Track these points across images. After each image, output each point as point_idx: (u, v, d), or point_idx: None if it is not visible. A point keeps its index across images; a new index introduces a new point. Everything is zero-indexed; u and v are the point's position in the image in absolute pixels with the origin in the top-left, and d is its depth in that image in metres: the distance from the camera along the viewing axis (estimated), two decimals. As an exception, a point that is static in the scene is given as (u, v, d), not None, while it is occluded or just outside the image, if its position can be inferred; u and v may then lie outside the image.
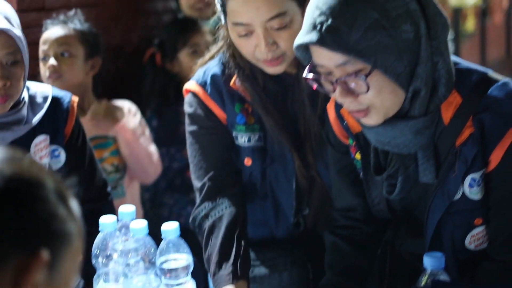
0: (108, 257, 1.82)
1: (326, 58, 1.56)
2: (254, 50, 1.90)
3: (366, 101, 1.58)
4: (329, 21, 1.51)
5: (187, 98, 2.08)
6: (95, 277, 1.85)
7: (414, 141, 1.63)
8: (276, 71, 1.94)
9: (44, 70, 2.97)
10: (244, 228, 1.97)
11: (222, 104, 2.03)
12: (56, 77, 2.94)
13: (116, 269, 1.82)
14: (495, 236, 1.66)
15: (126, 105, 3.21)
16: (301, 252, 2.08)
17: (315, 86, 1.64)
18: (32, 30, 3.30)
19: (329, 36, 1.51)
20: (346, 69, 1.55)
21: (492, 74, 1.67)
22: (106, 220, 1.82)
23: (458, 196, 1.64)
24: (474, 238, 1.67)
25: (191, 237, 2.01)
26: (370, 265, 1.86)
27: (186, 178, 3.54)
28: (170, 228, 1.76)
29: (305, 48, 1.62)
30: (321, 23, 1.52)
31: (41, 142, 2.09)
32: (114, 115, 3.09)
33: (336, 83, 1.57)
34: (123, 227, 1.87)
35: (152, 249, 1.80)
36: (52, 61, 2.95)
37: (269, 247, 2.11)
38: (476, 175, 1.62)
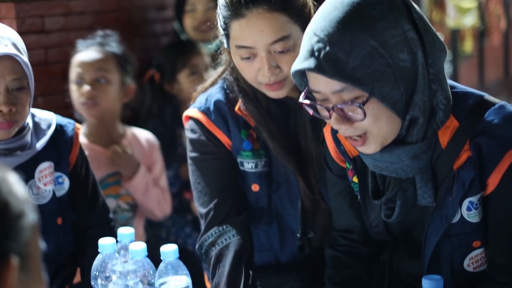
0: (107, 279, 1.82)
1: (323, 84, 1.56)
2: (257, 73, 1.90)
3: (362, 127, 1.58)
4: (327, 48, 1.52)
5: (189, 124, 2.06)
6: (94, 299, 1.85)
7: (412, 165, 1.63)
8: (278, 96, 1.94)
9: (78, 95, 2.94)
10: (251, 256, 1.97)
11: (227, 130, 2.02)
12: (92, 104, 2.93)
13: (115, 291, 1.82)
14: (495, 257, 1.66)
15: (147, 148, 3.15)
16: (306, 276, 2.07)
17: (311, 112, 1.64)
18: (32, 52, 3.31)
19: (327, 63, 1.51)
20: (342, 96, 1.55)
21: (488, 97, 1.68)
22: (105, 242, 1.83)
23: (456, 219, 1.65)
24: (473, 260, 1.67)
25: (189, 258, 2.01)
26: (370, 278, 1.86)
27: (184, 199, 3.54)
28: (169, 250, 1.76)
29: (301, 73, 1.62)
30: (319, 50, 1.52)
31: (45, 168, 2.11)
32: (128, 169, 3.02)
33: (332, 109, 1.58)
34: (122, 249, 1.87)
35: (151, 270, 1.80)
36: (87, 87, 2.91)
37: (274, 272, 2.09)
38: (474, 199, 1.62)
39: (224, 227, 1.98)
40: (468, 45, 9.07)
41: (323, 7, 1.58)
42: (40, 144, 2.09)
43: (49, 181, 2.11)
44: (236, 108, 2.00)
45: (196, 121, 2.04)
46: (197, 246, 2.02)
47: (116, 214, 3.03)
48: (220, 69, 2.08)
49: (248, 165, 2.02)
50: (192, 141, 2.06)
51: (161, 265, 1.77)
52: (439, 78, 1.61)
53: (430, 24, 1.61)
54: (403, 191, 1.69)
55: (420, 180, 1.66)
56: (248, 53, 1.88)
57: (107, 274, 1.82)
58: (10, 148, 2.04)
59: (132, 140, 3.14)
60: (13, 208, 0.99)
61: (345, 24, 1.52)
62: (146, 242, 1.88)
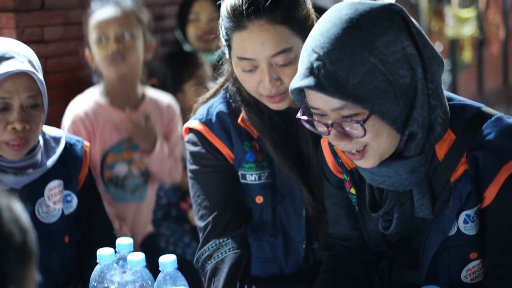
0: (106, 289, 1.82)
1: (322, 102, 1.55)
2: (258, 85, 1.90)
3: (361, 143, 1.58)
4: (327, 66, 1.51)
5: (190, 136, 2.05)
6: (92, 309, 1.85)
7: (409, 179, 1.63)
8: (279, 108, 1.94)
9: (103, 54, 2.91)
10: (247, 271, 1.96)
11: (229, 142, 2.01)
12: (121, 60, 2.89)
13: (113, 302, 1.81)
14: (492, 270, 1.66)
15: (166, 114, 3.12)
16: (311, 287, 2.05)
17: (309, 127, 1.63)
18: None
19: (327, 82, 1.50)
20: (342, 113, 1.54)
21: (485, 109, 1.68)
22: (103, 252, 1.83)
23: (453, 232, 1.64)
24: (470, 272, 1.67)
25: (188, 268, 2.00)
26: (368, 280, 1.86)
27: (182, 209, 3.54)
28: (168, 260, 1.76)
29: (299, 90, 1.61)
30: (319, 68, 1.51)
31: (55, 187, 2.11)
32: (147, 143, 2.99)
33: (331, 126, 1.57)
34: (120, 259, 1.87)
35: (150, 281, 1.80)
36: (114, 43, 2.87)
37: (279, 284, 2.09)
38: (470, 212, 1.62)
39: (221, 240, 1.97)
40: (467, 55, 9.09)
41: (321, 23, 1.58)
42: (50, 162, 2.09)
43: (59, 199, 2.11)
44: (239, 120, 2.00)
45: (197, 133, 2.03)
46: (194, 259, 2.02)
47: (126, 180, 3.03)
48: (221, 79, 2.07)
49: (252, 177, 2.01)
50: (192, 153, 2.05)
51: (160, 276, 1.76)
52: (437, 93, 1.60)
53: (428, 39, 1.61)
54: (400, 203, 1.69)
55: (417, 192, 1.66)
56: (249, 65, 1.88)
57: (106, 285, 1.82)
58: (22, 167, 2.04)
59: (152, 104, 3.10)
60: (16, 238, 0.99)
61: (345, 41, 1.51)
62: (151, 237, 1.88)
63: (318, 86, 1.51)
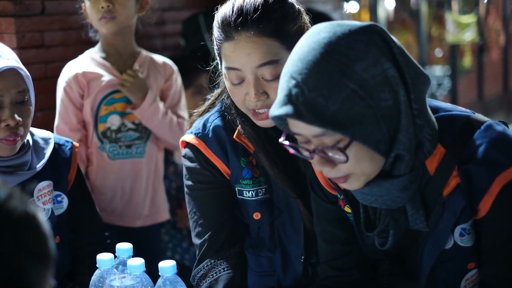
0: (105, 294, 1.81)
1: (303, 129, 1.52)
2: (245, 98, 1.88)
3: (345, 169, 1.54)
4: (305, 93, 1.46)
5: (186, 151, 2.03)
6: (91, 314, 1.85)
7: (401, 196, 1.60)
8: (266, 125, 1.91)
9: (95, 11, 2.91)
10: None
11: (225, 158, 1.99)
12: (110, 18, 2.90)
13: (112, 307, 1.81)
14: (487, 280, 1.64)
15: (162, 71, 3.12)
16: None
17: (292, 152, 1.59)
18: (32, 66, 3.33)
19: (305, 109, 1.46)
20: (323, 140, 1.51)
21: (474, 116, 1.64)
22: (103, 257, 1.82)
23: (449, 245, 1.62)
24: (469, 281, 1.65)
25: (186, 273, 2.00)
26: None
27: (179, 215, 3.54)
28: (167, 265, 1.76)
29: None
30: (297, 95, 1.47)
31: (44, 187, 2.11)
32: (136, 95, 2.99)
33: (313, 152, 1.54)
34: (120, 264, 1.86)
35: (149, 286, 1.79)
36: (104, 1, 2.87)
37: None
38: (465, 225, 1.60)
39: (216, 260, 1.96)
40: (467, 60, 9.10)
41: (299, 47, 1.53)
42: (40, 165, 2.09)
43: (48, 200, 2.12)
44: (235, 135, 1.97)
45: (193, 148, 2.01)
46: (191, 277, 2.01)
47: (120, 133, 3.02)
48: (217, 91, 2.06)
49: (249, 194, 1.99)
50: (188, 169, 2.03)
51: (159, 281, 1.76)
52: (424, 112, 1.57)
53: (411, 58, 1.57)
54: (395, 220, 1.67)
55: (410, 208, 1.64)
56: (236, 76, 1.86)
57: (105, 290, 1.81)
58: (11, 166, 2.05)
59: (147, 60, 3.11)
60: (40, 244, 1.03)
61: (323, 67, 1.47)
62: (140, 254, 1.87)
63: (297, 114, 1.47)
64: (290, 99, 1.48)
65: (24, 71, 1.99)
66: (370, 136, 1.49)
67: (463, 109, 1.69)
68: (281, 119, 1.58)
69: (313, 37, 1.52)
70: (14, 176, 2.04)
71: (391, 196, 1.60)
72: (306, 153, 1.56)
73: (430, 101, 1.65)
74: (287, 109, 1.48)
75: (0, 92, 1.98)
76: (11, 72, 1.97)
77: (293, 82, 1.49)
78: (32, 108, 2.06)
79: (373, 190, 1.59)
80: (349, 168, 1.54)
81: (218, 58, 1.92)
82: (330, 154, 1.52)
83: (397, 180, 1.57)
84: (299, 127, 1.52)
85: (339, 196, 1.77)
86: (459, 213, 1.58)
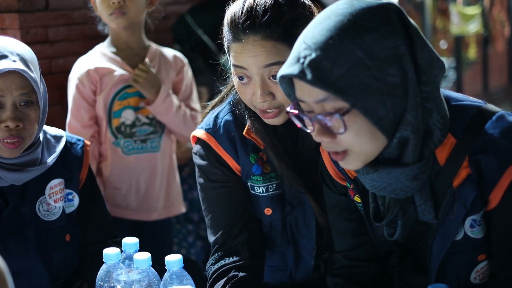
0: (112, 289, 1.81)
1: (306, 92, 1.53)
2: (251, 97, 1.87)
3: (344, 143, 1.54)
4: (312, 55, 1.48)
5: (197, 148, 2.02)
6: (98, 309, 1.85)
7: (410, 185, 1.60)
8: (274, 123, 1.91)
9: (105, 6, 2.92)
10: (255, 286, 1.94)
11: (235, 154, 1.98)
12: (120, 14, 2.91)
13: (119, 301, 1.81)
14: (497, 272, 1.64)
15: (173, 64, 3.13)
16: None
17: (298, 124, 1.60)
18: (36, 62, 3.33)
19: (309, 70, 1.48)
20: (325, 106, 1.51)
21: (486, 107, 1.63)
22: (109, 252, 1.82)
23: (460, 236, 1.61)
24: (479, 273, 1.65)
25: (192, 267, 2.00)
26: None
27: (186, 210, 3.55)
28: (174, 259, 1.76)
29: (289, 82, 1.59)
30: (305, 57, 1.49)
31: (56, 185, 2.11)
32: (149, 91, 3.00)
33: (314, 120, 1.54)
34: (126, 258, 1.87)
35: (156, 280, 1.79)
36: None
37: None
38: (476, 216, 1.59)
39: (229, 258, 1.95)
40: (472, 52, 9.07)
41: (317, 17, 1.56)
42: (50, 160, 2.09)
43: (60, 198, 2.12)
44: (244, 132, 1.97)
45: (204, 144, 2.01)
46: (205, 271, 2.01)
47: (134, 127, 3.03)
48: (229, 85, 2.05)
49: (259, 189, 1.99)
50: (200, 167, 2.03)
51: (166, 275, 1.76)
52: (434, 97, 1.56)
53: (427, 42, 1.57)
54: (403, 211, 1.66)
55: (419, 198, 1.63)
56: (243, 75, 1.86)
57: (112, 284, 1.81)
58: (21, 163, 2.04)
59: (157, 54, 3.11)
60: None
61: (334, 33, 1.49)
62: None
63: (301, 74, 1.48)
64: (297, 60, 1.50)
65: (29, 73, 1.96)
66: (372, 109, 1.49)
67: (475, 99, 1.68)
68: (290, 87, 1.58)
69: (331, 8, 1.54)
70: (23, 173, 2.04)
71: (400, 185, 1.59)
72: (308, 123, 1.56)
73: (441, 91, 1.63)
74: (293, 69, 1.50)
75: (1, 92, 1.96)
76: (16, 73, 1.95)
77: (304, 46, 1.51)
78: (41, 113, 2.03)
79: (383, 177, 1.58)
80: (347, 141, 1.53)
81: (227, 54, 1.91)
82: (329, 122, 1.52)
83: (407, 169, 1.56)
84: (303, 91, 1.53)
85: (348, 186, 1.77)
86: (470, 204, 1.57)
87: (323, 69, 1.47)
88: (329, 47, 1.48)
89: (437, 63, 1.56)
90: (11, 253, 2.05)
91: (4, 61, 1.95)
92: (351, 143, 1.53)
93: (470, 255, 1.64)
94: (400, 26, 1.53)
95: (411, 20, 1.57)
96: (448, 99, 1.64)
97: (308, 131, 1.58)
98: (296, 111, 1.57)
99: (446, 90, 1.70)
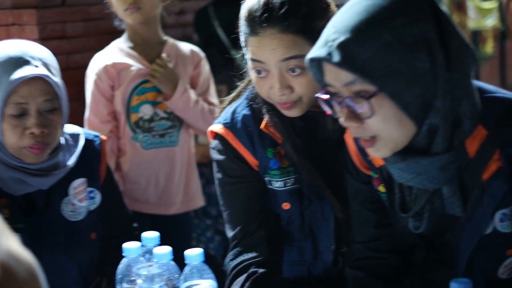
0: (132, 282, 1.81)
1: (334, 76, 1.52)
2: (269, 91, 1.87)
3: (372, 128, 1.52)
4: (340, 38, 1.48)
5: (214, 143, 2.02)
6: (119, 302, 1.85)
7: (439, 177, 1.57)
8: (291, 115, 1.90)
9: (120, 2, 2.92)
10: (272, 282, 1.93)
11: (253, 149, 1.97)
12: (135, 9, 2.91)
13: (140, 295, 1.81)
14: None
15: (190, 58, 3.13)
16: None
17: (328, 110, 1.59)
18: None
19: (337, 53, 1.47)
20: (352, 89, 1.50)
21: None
22: (129, 246, 1.82)
23: (488, 230, 1.59)
24: (507, 268, 1.62)
25: (211, 262, 1.99)
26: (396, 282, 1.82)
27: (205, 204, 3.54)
28: (194, 253, 1.75)
29: (318, 67, 1.58)
30: (333, 40, 1.49)
31: (79, 185, 2.11)
32: (167, 86, 3.01)
33: (342, 104, 1.53)
34: (147, 252, 1.86)
35: (176, 274, 1.79)
36: None
37: (307, 286, 2.05)
38: (506, 210, 1.56)
39: (250, 254, 1.94)
40: (489, 47, 9.01)
41: (348, 2, 1.55)
42: (71, 161, 2.09)
43: (84, 197, 2.12)
44: (262, 126, 1.96)
45: (221, 139, 2.00)
46: (224, 266, 2.00)
47: (153, 122, 3.04)
48: (246, 80, 2.05)
49: (277, 184, 1.98)
50: (218, 162, 2.02)
51: (186, 269, 1.76)
52: (464, 85, 1.54)
53: (458, 28, 1.55)
54: (430, 203, 1.65)
55: (447, 191, 1.61)
56: (261, 68, 1.85)
57: (132, 278, 1.81)
58: (44, 168, 2.03)
59: (174, 49, 3.11)
60: None
61: (363, 16, 1.48)
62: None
63: (328, 56, 1.48)
64: (326, 43, 1.50)
65: (52, 79, 1.94)
66: (399, 93, 1.47)
67: (507, 92, 1.66)
68: (320, 72, 1.57)
69: None
70: (48, 178, 2.03)
71: (428, 176, 1.57)
72: (336, 108, 1.55)
73: (473, 82, 1.61)
74: (320, 52, 1.50)
75: (25, 99, 1.94)
76: (39, 79, 1.94)
77: (333, 29, 1.50)
78: (64, 117, 2.02)
79: (411, 166, 1.56)
80: (375, 126, 1.51)
81: (244, 48, 1.90)
82: (357, 106, 1.51)
83: (435, 159, 1.54)
84: (331, 75, 1.52)
85: (373, 175, 1.76)
86: (501, 197, 1.55)
87: (351, 51, 1.47)
88: (358, 30, 1.47)
89: (468, 50, 1.54)
90: (40, 256, 2.05)
91: (26, 67, 1.93)
92: (379, 129, 1.52)
93: (499, 250, 1.61)
94: (430, 12, 1.52)
95: (443, 6, 1.55)
96: (480, 90, 1.62)
97: (337, 116, 1.58)
98: (326, 96, 1.56)
99: (478, 82, 1.67)
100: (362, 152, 1.74)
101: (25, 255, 0.94)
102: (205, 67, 3.17)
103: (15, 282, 0.90)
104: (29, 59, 1.94)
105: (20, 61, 1.93)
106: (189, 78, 3.12)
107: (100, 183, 2.18)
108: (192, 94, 3.06)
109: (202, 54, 3.19)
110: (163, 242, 1.89)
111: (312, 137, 1.96)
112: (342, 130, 1.80)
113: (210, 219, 3.75)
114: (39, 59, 1.96)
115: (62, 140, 2.09)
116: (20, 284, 0.91)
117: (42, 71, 1.93)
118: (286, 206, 1.98)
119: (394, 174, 1.63)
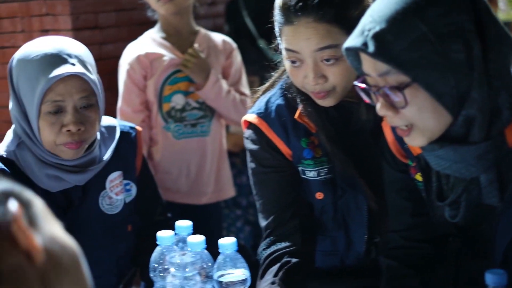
0: (166, 271, 1.83)
1: (370, 65, 1.52)
2: (303, 80, 1.87)
3: (407, 117, 1.53)
4: (376, 28, 1.48)
5: (248, 133, 2.02)
6: (153, 290, 1.87)
7: (476, 165, 1.56)
8: (325, 104, 1.90)
9: None
10: (302, 272, 1.93)
11: (286, 139, 1.98)
12: (168, 0, 2.94)
13: (173, 283, 1.83)
14: None
15: (222, 49, 3.14)
16: (372, 281, 1.98)
17: (366, 99, 1.60)
18: (87, 48, 3.36)
19: (372, 43, 1.47)
20: (388, 79, 1.50)
21: None
22: (163, 234, 1.84)
23: None
24: None
25: (241, 252, 2.00)
26: (427, 287, 1.82)
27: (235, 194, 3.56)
28: (228, 242, 1.77)
29: (356, 55, 1.58)
30: (369, 30, 1.49)
31: (115, 178, 2.12)
32: (199, 76, 3.02)
33: (378, 94, 1.54)
34: (180, 241, 1.88)
35: (209, 263, 1.80)
36: None
37: (339, 276, 2.06)
38: None
39: (283, 244, 1.94)
40: (520, 38, 8.93)
41: None
42: (107, 156, 2.09)
43: (120, 190, 2.13)
44: (296, 115, 1.96)
45: (255, 128, 2.00)
46: (257, 255, 2.01)
47: (184, 112, 3.06)
48: (280, 69, 2.05)
49: (311, 174, 1.98)
50: (251, 152, 2.02)
51: (220, 258, 1.77)
52: (503, 75, 1.53)
53: (497, 18, 1.54)
54: (467, 192, 1.64)
55: (484, 180, 1.60)
56: (295, 58, 1.85)
57: (166, 266, 1.83)
58: (81, 165, 2.04)
59: (206, 39, 3.13)
60: None
61: (399, 6, 1.48)
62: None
63: (363, 47, 1.48)
64: (362, 33, 1.50)
65: (89, 76, 1.94)
66: (433, 84, 1.47)
67: None
68: (357, 61, 1.58)
69: None
70: (84, 174, 2.04)
71: (466, 164, 1.57)
72: (373, 97, 1.56)
73: None
74: (356, 41, 1.50)
75: (62, 96, 1.94)
76: (76, 76, 1.93)
77: (370, 19, 1.51)
78: (100, 113, 2.02)
79: (448, 154, 1.56)
80: (410, 116, 1.52)
81: (278, 38, 1.91)
82: (392, 96, 1.51)
83: (473, 147, 1.54)
84: (368, 65, 1.53)
85: (410, 163, 1.76)
86: None
87: (386, 42, 1.47)
88: (393, 20, 1.48)
89: (506, 40, 1.53)
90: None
91: (63, 66, 1.93)
92: (414, 118, 1.52)
93: None
94: (467, 2, 1.51)
95: None
96: None
97: (374, 104, 1.58)
98: (363, 85, 1.57)
99: None
100: (400, 140, 1.74)
101: (69, 241, 0.95)
102: (237, 57, 3.18)
103: (59, 267, 0.92)
104: (66, 57, 1.94)
105: (56, 59, 1.93)
106: (221, 68, 3.13)
107: (136, 175, 2.19)
108: (224, 84, 3.07)
109: (234, 44, 3.20)
110: (194, 231, 1.90)
111: (345, 127, 1.96)
112: (376, 120, 1.80)
113: (240, 210, 3.76)
114: (75, 56, 1.96)
115: (98, 135, 2.09)
116: (64, 270, 0.93)
117: (78, 69, 1.93)
118: (319, 196, 1.99)
119: (432, 162, 1.63)
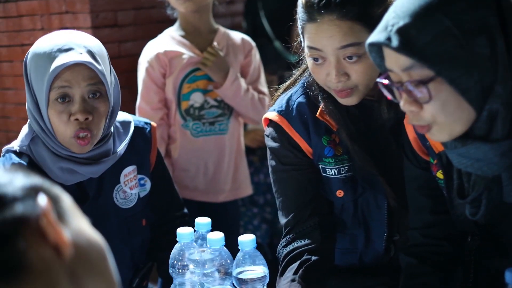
0: (185, 267, 1.84)
1: (393, 61, 1.52)
2: (326, 78, 1.87)
3: (430, 114, 1.52)
4: (400, 23, 1.48)
5: (269, 131, 2.03)
6: (172, 286, 1.88)
7: (498, 163, 1.56)
8: (348, 103, 1.90)
9: None
10: (321, 271, 1.93)
11: (307, 136, 1.98)
12: None
13: (192, 279, 1.84)
14: None
15: (241, 47, 3.16)
16: (391, 279, 2.02)
17: (389, 96, 1.59)
18: (106, 46, 3.37)
19: (396, 37, 1.47)
20: (411, 74, 1.50)
21: None
22: (183, 231, 1.85)
23: None
24: None
25: (260, 250, 2.01)
26: (446, 285, 1.82)
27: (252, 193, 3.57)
28: (247, 239, 1.78)
29: (378, 52, 1.58)
30: (393, 25, 1.49)
31: (130, 172, 2.14)
32: (218, 74, 3.04)
33: (401, 89, 1.53)
34: (199, 238, 1.89)
35: (229, 260, 1.81)
36: None
37: (358, 274, 2.07)
38: None
39: (303, 241, 1.95)
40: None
41: None
42: (122, 149, 2.10)
43: (135, 184, 2.15)
44: (317, 114, 1.97)
45: (276, 126, 2.01)
46: (277, 253, 2.02)
47: (203, 110, 3.08)
48: (302, 66, 2.05)
49: (331, 171, 1.98)
50: (272, 149, 2.03)
51: (239, 255, 1.78)
52: None
53: None
54: (488, 190, 1.64)
55: (506, 177, 1.59)
56: (318, 56, 1.85)
57: (185, 263, 1.84)
58: (93, 157, 2.05)
59: (225, 38, 3.15)
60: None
61: (422, 2, 1.48)
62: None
63: (387, 41, 1.48)
64: (385, 28, 1.50)
65: (95, 65, 1.94)
66: (457, 79, 1.47)
67: None
68: (380, 58, 1.58)
69: None
70: (99, 165, 2.05)
71: (488, 162, 1.56)
72: (396, 93, 1.56)
73: None
74: (380, 36, 1.50)
75: (68, 83, 1.95)
76: (83, 65, 1.94)
77: (393, 14, 1.51)
78: (110, 106, 2.02)
79: (470, 151, 1.56)
80: (433, 112, 1.51)
81: (301, 36, 1.91)
82: (416, 91, 1.51)
83: (496, 145, 1.53)
84: (391, 60, 1.53)
85: (432, 161, 1.76)
86: None
87: (410, 36, 1.47)
88: (417, 15, 1.47)
89: None
90: None
91: (70, 53, 1.94)
92: (437, 114, 1.52)
93: None
94: None
95: None
96: None
97: (397, 101, 1.58)
98: (386, 81, 1.57)
99: None
100: (422, 137, 1.75)
101: (96, 236, 0.96)
102: (256, 56, 3.19)
103: (86, 262, 0.93)
104: (73, 46, 1.96)
105: (63, 48, 1.95)
106: (239, 66, 3.14)
107: (150, 170, 2.20)
108: (243, 83, 3.08)
109: (253, 43, 3.21)
110: (211, 229, 1.91)
111: (366, 125, 1.96)
112: (397, 118, 1.80)
113: (257, 208, 3.77)
114: (84, 46, 1.97)
115: (112, 128, 2.10)
116: (91, 265, 0.94)
117: (85, 57, 1.94)
118: (339, 193, 1.99)
119: (453, 160, 1.62)
